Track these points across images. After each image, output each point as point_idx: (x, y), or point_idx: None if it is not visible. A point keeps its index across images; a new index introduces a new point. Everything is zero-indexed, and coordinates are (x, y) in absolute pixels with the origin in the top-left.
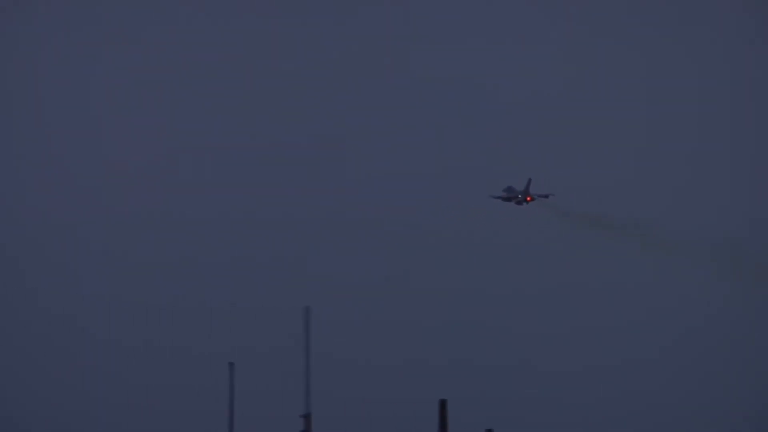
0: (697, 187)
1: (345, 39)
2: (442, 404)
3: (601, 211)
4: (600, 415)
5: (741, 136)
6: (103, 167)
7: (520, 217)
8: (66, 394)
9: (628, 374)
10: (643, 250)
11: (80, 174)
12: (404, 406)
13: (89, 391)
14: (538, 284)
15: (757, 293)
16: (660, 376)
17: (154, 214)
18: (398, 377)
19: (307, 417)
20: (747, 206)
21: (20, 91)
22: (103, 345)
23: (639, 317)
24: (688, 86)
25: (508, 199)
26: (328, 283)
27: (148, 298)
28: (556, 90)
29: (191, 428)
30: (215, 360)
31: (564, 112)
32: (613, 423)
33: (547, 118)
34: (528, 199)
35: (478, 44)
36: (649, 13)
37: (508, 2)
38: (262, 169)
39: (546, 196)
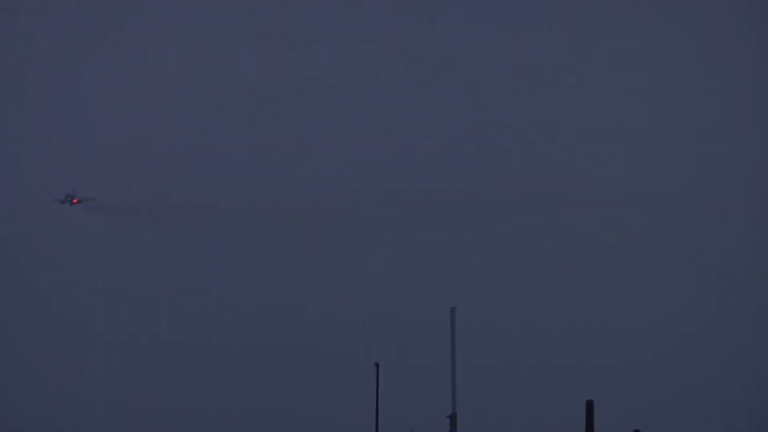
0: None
1: None
2: (589, 405)
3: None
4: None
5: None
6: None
7: None
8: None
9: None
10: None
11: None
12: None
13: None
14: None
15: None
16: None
17: None
18: (543, 378)
19: (453, 418)
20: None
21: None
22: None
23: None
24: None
25: (64, 201)
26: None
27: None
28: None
29: (337, 428)
30: (360, 360)
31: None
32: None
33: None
34: (74, 201)
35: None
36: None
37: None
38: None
39: (92, 199)
